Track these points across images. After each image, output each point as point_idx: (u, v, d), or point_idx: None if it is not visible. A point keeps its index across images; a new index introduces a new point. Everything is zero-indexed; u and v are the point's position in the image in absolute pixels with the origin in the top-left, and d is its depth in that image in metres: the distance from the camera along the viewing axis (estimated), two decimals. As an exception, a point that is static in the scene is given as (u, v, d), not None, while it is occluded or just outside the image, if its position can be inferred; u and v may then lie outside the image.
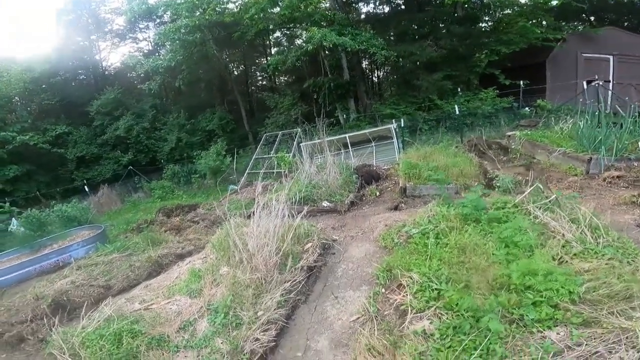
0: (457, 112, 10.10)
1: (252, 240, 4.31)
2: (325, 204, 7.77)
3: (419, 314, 2.87)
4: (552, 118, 10.45)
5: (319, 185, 8.25)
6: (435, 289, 3.01)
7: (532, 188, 4.30)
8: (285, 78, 27.77)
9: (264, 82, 30.47)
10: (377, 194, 8.19)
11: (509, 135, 10.33)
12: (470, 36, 16.13)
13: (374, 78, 25.88)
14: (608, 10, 19.96)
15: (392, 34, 17.93)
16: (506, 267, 3.12)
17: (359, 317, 3.48)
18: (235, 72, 28.02)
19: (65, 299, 5.14)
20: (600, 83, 11.25)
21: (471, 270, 3.15)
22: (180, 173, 17.46)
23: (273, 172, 12.50)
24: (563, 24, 15.45)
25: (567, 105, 11.40)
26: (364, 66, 21.76)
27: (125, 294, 5.34)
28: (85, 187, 16.62)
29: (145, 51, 24.94)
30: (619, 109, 9.66)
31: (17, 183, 15.97)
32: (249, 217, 8.57)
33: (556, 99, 14.19)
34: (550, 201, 4.11)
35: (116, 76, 24.34)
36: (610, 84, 11.41)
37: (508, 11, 16.38)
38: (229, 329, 3.36)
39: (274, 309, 3.44)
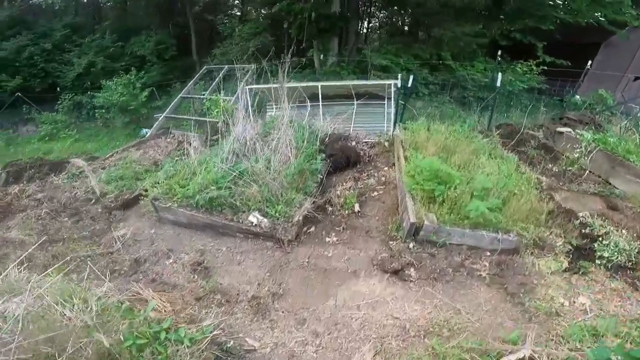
0: (498, 84, 6.27)
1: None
2: (254, 218, 3.88)
3: None
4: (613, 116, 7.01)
5: (249, 173, 4.22)
6: None
7: None
8: (265, 11, 21.52)
9: (236, 11, 23.81)
10: (356, 207, 4.38)
11: (560, 132, 6.73)
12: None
13: (371, 18, 20.43)
14: None
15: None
16: None
17: None
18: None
19: None
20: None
21: None
22: (87, 105, 12.39)
23: (202, 121, 8.21)
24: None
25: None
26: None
27: None
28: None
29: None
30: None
31: None
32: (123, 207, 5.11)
33: (590, 89, 10.76)
34: None
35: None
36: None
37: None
38: None
39: None
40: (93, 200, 5.39)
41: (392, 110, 7.01)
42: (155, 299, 2.85)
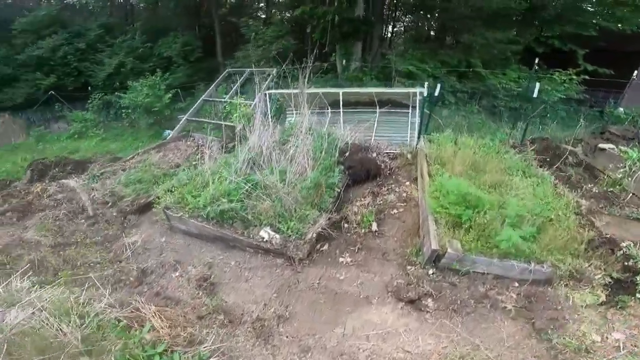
0: (535, 95, 5.78)
1: None
2: (265, 234, 3.73)
3: None
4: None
5: (262, 186, 4.08)
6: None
7: None
8: (288, 14, 21.55)
9: (261, 14, 24.09)
10: (374, 225, 4.16)
11: (601, 149, 6.21)
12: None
13: (395, 23, 19.97)
14: None
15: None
16: None
17: None
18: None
19: None
20: None
21: None
22: (115, 105, 12.81)
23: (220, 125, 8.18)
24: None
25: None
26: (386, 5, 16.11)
27: None
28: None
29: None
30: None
31: None
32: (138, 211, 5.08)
33: (635, 101, 9.96)
34: None
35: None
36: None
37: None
38: None
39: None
40: (110, 204, 5.44)
41: (417, 119, 6.71)
42: (155, 317, 2.74)
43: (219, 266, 3.77)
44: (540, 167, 5.57)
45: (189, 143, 8.28)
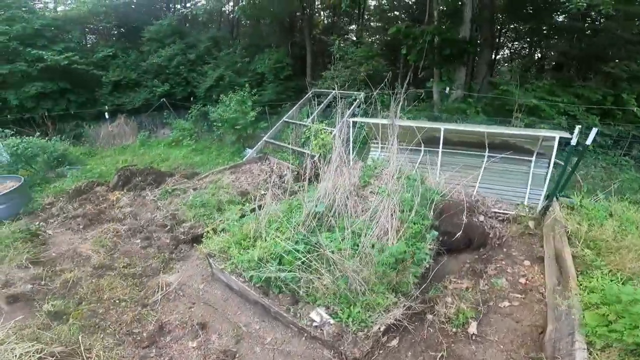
0: None
1: None
2: (317, 316, 2.80)
3: None
4: None
5: (322, 256, 3.12)
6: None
7: None
8: (378, 35, 20.72)
9: (352, 36, 24.02)
10: (472, 326, 2.82)
11: None
12: None
13: (499, 49, 17.51)
14: None
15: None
16: None
17: None
18: (325, 21, 22.33)
19: None
20: None
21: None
22: (209, 117, 13.66)
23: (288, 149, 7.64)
24: None
25: None
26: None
27: None
28: (106, 114, 14.25)
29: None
30: None
31: (44, 100, 14.24)
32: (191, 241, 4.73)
33: None
34: None
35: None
36: None
37: None
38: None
39: None
40: (168, 227, 5.15)
41: (548, 173, 4.98)
42: None
43: (250, 341, 2.92)
44: None
45: (263, 167, 7.89)
